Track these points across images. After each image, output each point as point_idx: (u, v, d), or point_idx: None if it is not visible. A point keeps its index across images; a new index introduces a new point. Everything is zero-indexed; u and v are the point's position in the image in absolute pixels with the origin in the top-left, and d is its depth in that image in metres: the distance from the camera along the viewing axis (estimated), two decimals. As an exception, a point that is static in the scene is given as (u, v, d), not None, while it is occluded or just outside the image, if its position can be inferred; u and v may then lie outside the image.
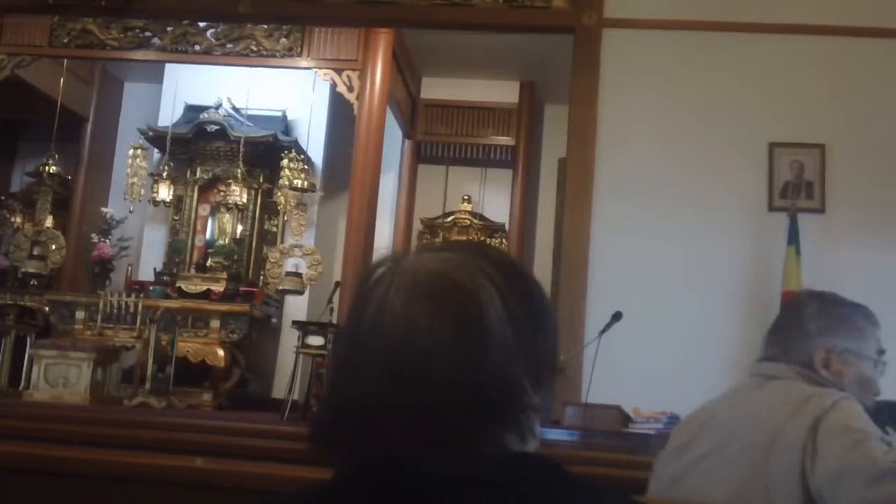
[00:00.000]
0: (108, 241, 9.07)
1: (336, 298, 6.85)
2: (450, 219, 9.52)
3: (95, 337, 7.60)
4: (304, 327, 6.78)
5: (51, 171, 9.08)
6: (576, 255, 5.35)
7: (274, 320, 8.71)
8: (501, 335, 0.77)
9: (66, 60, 8.55)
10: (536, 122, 9.60)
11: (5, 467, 1.59)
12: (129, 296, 7.81)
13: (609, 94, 5.50)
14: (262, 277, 8.65)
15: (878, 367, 1.67)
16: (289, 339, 7.91)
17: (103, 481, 1.59)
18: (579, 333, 4.87)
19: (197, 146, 8.95)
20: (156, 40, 7.78)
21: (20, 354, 8.17)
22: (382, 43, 7.76)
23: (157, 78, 9.28)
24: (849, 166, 5.27)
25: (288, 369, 7.31)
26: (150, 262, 8.93)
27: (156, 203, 8.81)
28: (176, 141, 8.76)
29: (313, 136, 9.01)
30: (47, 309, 8.27)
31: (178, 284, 8.33)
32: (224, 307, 8.01)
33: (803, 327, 1.67)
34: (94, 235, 9.05)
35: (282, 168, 8.50)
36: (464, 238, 9.15)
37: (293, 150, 8.59)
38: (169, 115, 9.00)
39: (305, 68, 7.97)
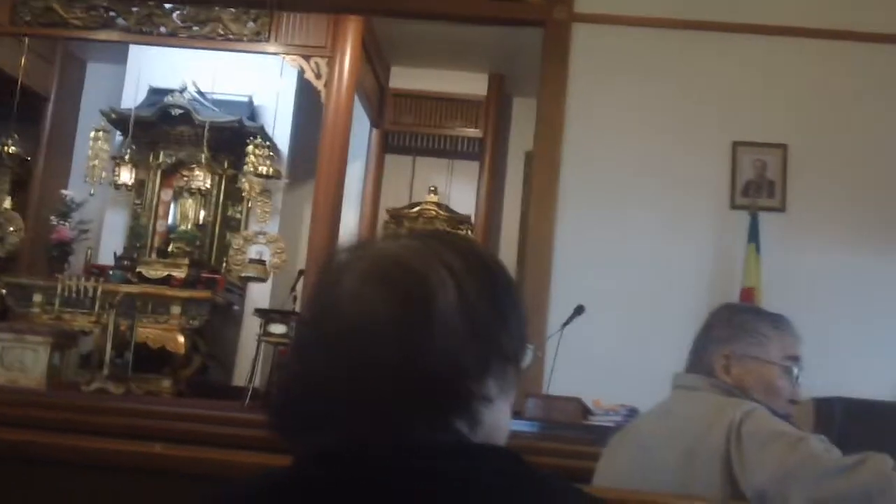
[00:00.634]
0: (67, 224, 8.89)
1: (300, 287, 6.81)
2: (416, 209, 9.49)
3: (53, 321, 7.46)
4: (266, 315, 6.74)
5: (10, 151, 8.89)
6: (540, 248, 5.39)
7: (236, 307, 8.62)
8: (452, 321, 0.76)
9: (27, 39, 8.36)
10: (504, 115, 9.60)
11: (-41, 451, 1.56)
12: (88, 280, 7.68)
13: (577, 88, 5.54)
14: (224, 264, 8.56)
15: (789, 375, 1.67)
16: (251, 326, 7.85)
17: (60, 466, 1.57)
18: (542, 326, 4.90)
19: (160, 130, 8.80)
20: (120, 20, 7.63)
21: (-25, 337, 8.01)
22: (352, 30, 7.70)
23: (121, 59, 9.11)
24: (810, 167, 5.37)
25: (249, 357, 7.25)
26: (110, 246, 8.78)
27: (117, 186, 8.66)
28: (139, 124, 8.60)
29: (280, 123, 8.91)
30: (4, 292, 8.11)
31: (138, 269, 8.21)
32: (185, 293, 7.92)
33: (709, 336, 1.71)
34: (53, 218, 8.86)
35: (247, 154, 8.40)
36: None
37: (259, 137, 8.50)
38: (132, 98, 8.83)
39: (273, 54, 7.89)
